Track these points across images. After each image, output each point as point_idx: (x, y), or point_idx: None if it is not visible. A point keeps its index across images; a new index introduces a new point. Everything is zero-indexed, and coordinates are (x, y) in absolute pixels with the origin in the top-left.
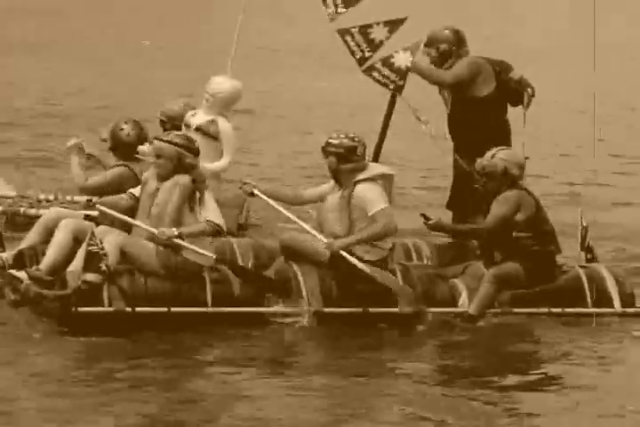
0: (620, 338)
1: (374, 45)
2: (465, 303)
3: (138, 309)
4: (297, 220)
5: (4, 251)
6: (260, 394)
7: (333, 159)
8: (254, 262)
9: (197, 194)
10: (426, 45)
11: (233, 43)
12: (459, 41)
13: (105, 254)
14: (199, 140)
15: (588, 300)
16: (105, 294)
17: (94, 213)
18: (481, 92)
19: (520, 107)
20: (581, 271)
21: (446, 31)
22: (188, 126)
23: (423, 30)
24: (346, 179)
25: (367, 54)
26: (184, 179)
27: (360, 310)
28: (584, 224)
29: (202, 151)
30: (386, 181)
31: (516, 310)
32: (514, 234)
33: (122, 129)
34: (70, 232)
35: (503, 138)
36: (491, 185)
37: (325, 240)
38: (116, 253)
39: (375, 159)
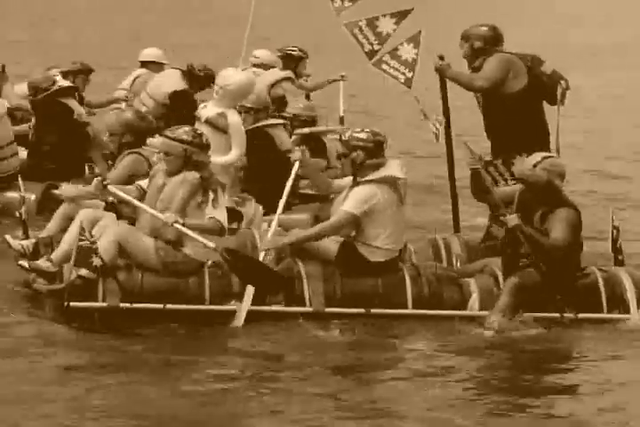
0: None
1: (382, 38)
2: (474, 306)
3: (132, 305)
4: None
5: (27, 238)
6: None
7: (361, 153)
8: (276, 256)
9: (210, 193)
10: (462, 38)
11: (245, 32)
12: (494, 39)
13: (96, 249)
14: (208, 132)
15: (604, 305)
16: (99, 290)
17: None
18: (512, 88)
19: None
20: (599, 275)
21: (483, 28)
22: (198, 119)
23: (429, 21)
24: (363, 174)
25: (376, 47)
26: (192, 176)
27: (362, 310)
28: (615, 224)
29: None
30: (395, 183)
31: (527, 314)
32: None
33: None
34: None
35: (541, 135)
36: (528, 195)
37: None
38: (115, 247)
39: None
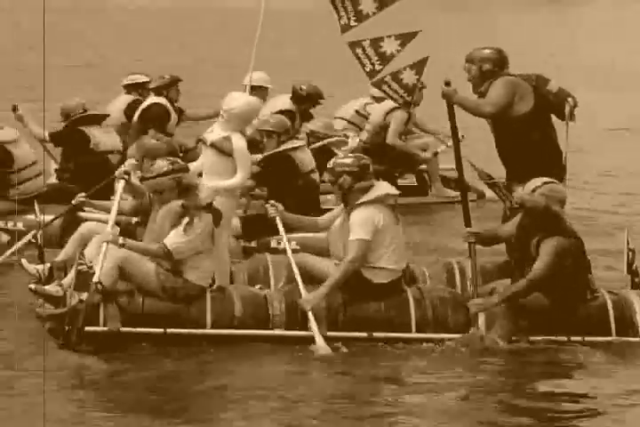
0: None
1: (385, 58)
2: (482, 328)
3: (133, 329)
4: (291, 259)
5: (42, 263)
6: None
7: (348, 178)
8: (286, 281)
9: (186, 218)
10: (468, 61)
11: (251, 57)
12: (502, 62)
13: (94, 273)
14: (214, 156)
15: (613, 328)
16: (101, 314)
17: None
18: (519, 110)
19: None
20: (608, 298)
21: (489, 51)
22: (204, 142)
23: (434, 46)
24: (354, 198)
25: (377, 67)
26: (173, 204)
27: (365, 334)
28: (631, 247)
29: (216, 168)
30: (389, 201)
31: (533, 338)
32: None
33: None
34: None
35: (554, 157)
36: (527, 220)
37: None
38: (115, 271)
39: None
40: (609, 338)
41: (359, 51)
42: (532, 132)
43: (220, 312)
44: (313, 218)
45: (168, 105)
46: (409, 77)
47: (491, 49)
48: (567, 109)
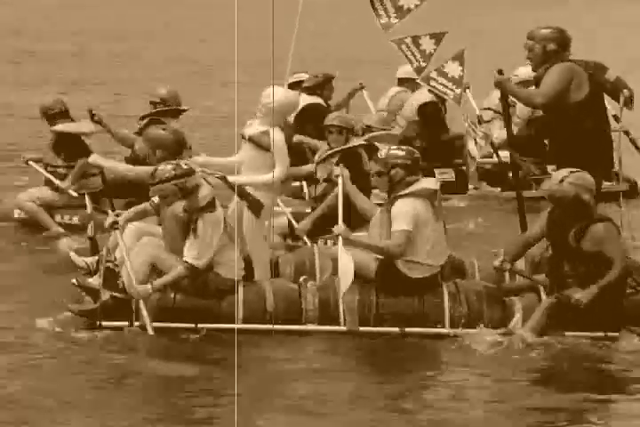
0: None
1: (425, 56)
2: (517, 326)
3: (164, 324)
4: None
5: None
6: None
7: (401, 171)
8: (332, 272)
9: (191, 224)
10: (531, 39)
11: (290, 52)
12: (565, 42)
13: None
14: (252, 150)
15: None
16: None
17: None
18: (574, 98)
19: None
20: None
21: (553, 30)
22: (243, 137)
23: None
24: (399, 190)
25: (422, 64)
26: (176, 209)
27: (397, 330)
28: None
29: (254, 163)
30: (431, 196)
31: (569, 333)
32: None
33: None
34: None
35: (605, 146)
36: (558, 212)
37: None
38: (146, 267)
39: None
40: None
41: (404, 47)
42: (584, 120)
43: (251, 307)
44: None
45: (323, 104)
46: (453, 70)
47: (553, 28)
48: (621, 100)
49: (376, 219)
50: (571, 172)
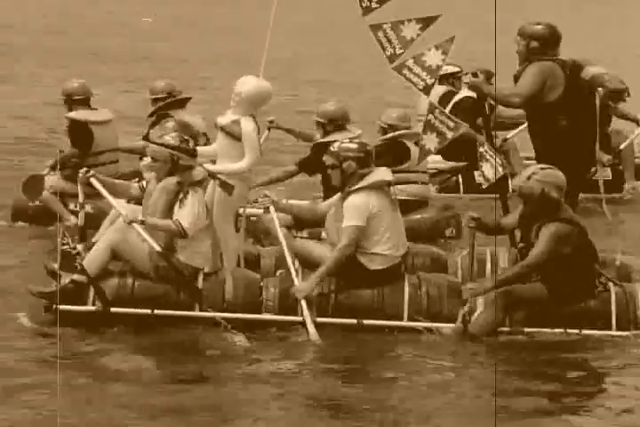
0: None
1: (405, 42)
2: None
3: (121, 309)
4: (288, 256)
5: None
6: None
7: (353, 163)
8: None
9: (181, 194)
10: (519, 35)
11: (266, 40)
12: (552, 41)
13: (78, 253)
14: (224, 140)
15: (613, 322)
16: (90, 294)
17: None
18: (548, 98)
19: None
20: (613, 291)
21: (541, 27)
22: (216, 126)
23: (455, 27)
24: (352, 184)
25: (398, 51)
26: (169, 181)
27: (354, 321)
28: None
29: (228, 152)
30: (385, 187)
31: (529, 329)
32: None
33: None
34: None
35: (584, 145)
36: (527, 208)
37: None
38: (106, 253)
39: None
40: (607, 332)
41: (380, 34)
42: (559, 119)
43: (210, 295)
44: (311, 206)
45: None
46: (434, 59)
47: (543, 25)
48: (597, 99)
49: (331, 214)
50: (540, 168)
